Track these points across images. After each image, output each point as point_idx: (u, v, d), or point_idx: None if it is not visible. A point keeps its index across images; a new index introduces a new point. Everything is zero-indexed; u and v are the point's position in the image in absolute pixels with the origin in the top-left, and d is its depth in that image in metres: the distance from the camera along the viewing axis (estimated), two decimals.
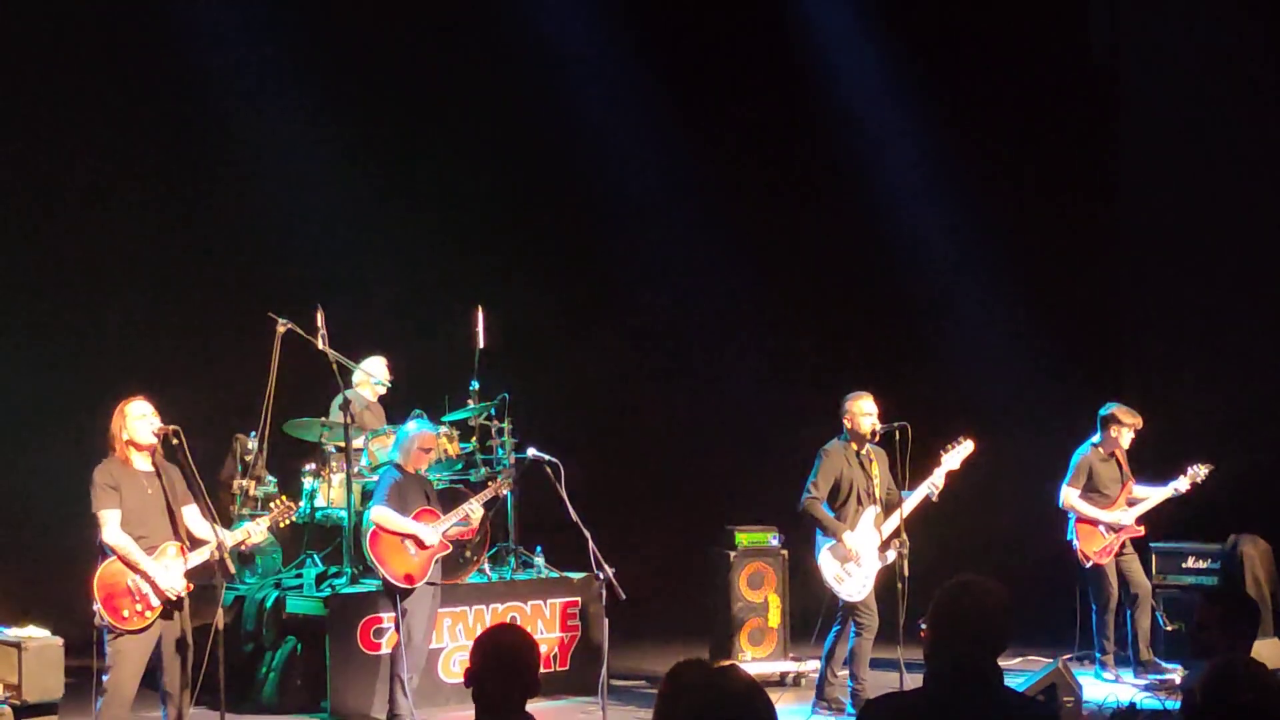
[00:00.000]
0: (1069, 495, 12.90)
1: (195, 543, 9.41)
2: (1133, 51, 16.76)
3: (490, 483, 11.77)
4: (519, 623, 12.28)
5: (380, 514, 10.97)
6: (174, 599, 9.26)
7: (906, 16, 16.80)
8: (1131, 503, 12.92)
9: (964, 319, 17.23)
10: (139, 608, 9.21)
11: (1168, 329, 16.47)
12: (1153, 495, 12.95)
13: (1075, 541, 12.88)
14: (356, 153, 15.66)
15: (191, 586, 9.39)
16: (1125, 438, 12.94)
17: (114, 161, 14.89)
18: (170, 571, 9.28)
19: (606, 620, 10.83)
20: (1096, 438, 13.00)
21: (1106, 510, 12.87)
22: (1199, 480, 12.86)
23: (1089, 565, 12.82)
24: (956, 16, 16.78)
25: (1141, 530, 12.95)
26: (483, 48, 16.29)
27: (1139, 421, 12.92)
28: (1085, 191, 17.05)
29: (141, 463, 9.41)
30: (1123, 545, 12.91)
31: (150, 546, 9.29)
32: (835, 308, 17.30)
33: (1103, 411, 12.99)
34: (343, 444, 12.08)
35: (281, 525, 10.38)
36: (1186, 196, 16.23)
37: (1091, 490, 12.91)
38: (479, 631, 11.54)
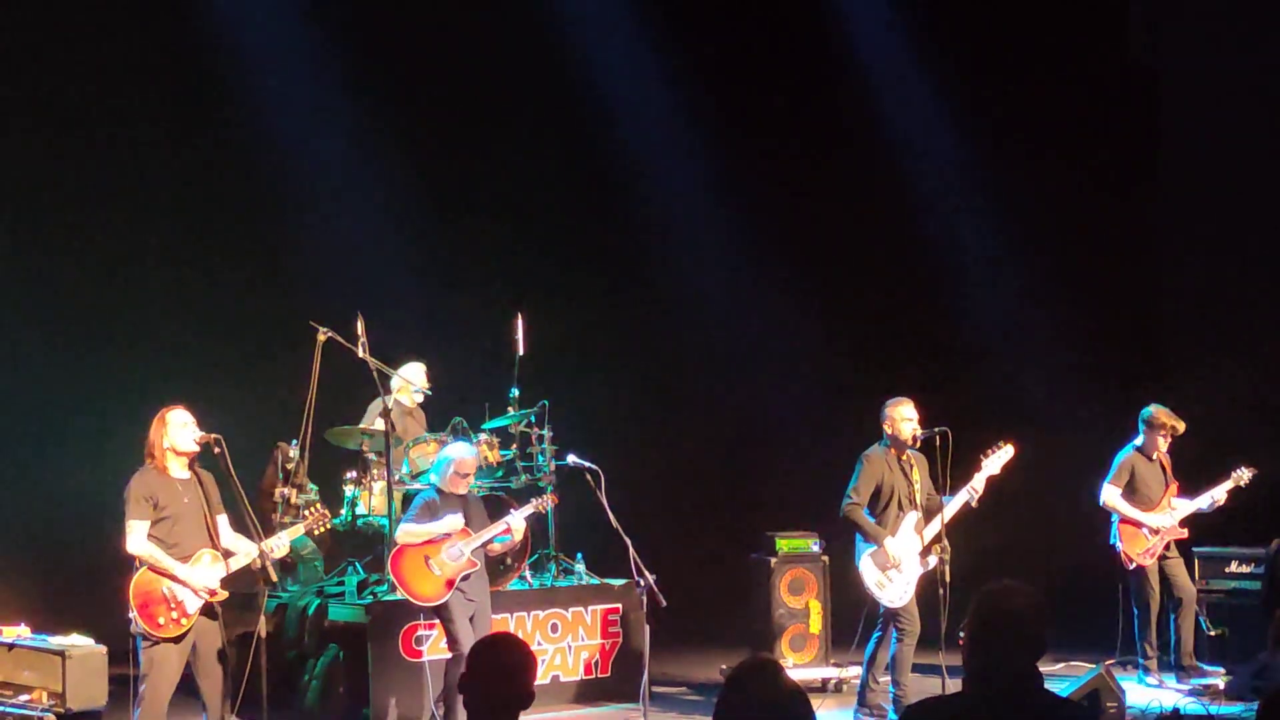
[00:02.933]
0: (1110, 494, 12.84)
1: (225, 553, 9.45)
2: (1172, 48, 16.66)
3: (534, 498, 11.66)
4: (559, 629, 12.33)
5: (404, 530, 10.93)
6: (208, 595, 9.29)
7: (944, 16, 16.75)
8: (1174, 507, 12.85)
9: (1004, 323, 17.16)
10: (174, 615, 9.26)
11: (1209, 328, 16.37)
12: (1195, 502, 12.88)
13: (1118, 543, 12.81)
14: (398, 160, 15.68)
15: (227, 594, 9.44)
16: (1163, 442, 12.84)
17: (154, 168, 14.97)
18: (204, 572, 9.34)
19: (648, 627, 10.80)
20: (1139, 440, 12.92)
21: (1147, 512, 12.80)
22: (1243, 483, 12.77)
23: (1132, 567, 12.75)
24: (995, 16, 16.72)
25: (1184, 533, 12.87)
26: (524, 57, 16.31)
27: (1180, 425, 12.81)
28: (1125, 191, 16.97)
29: (179, 471, 9.47)
30: (1166, 547, 12.82)
31: (185, 555, 9.35)
32: (876, 313, 17.27)
33: (1144, 413, 12.92)
34: (384, 451, 12.08)
35: (317, 533, 10.39)
36: (1226, 194, 16.14)
37: (1132, 492, 12.84)
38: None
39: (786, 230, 17.21)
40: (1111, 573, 12.96)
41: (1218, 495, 12.80)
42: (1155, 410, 12.87)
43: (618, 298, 17.05)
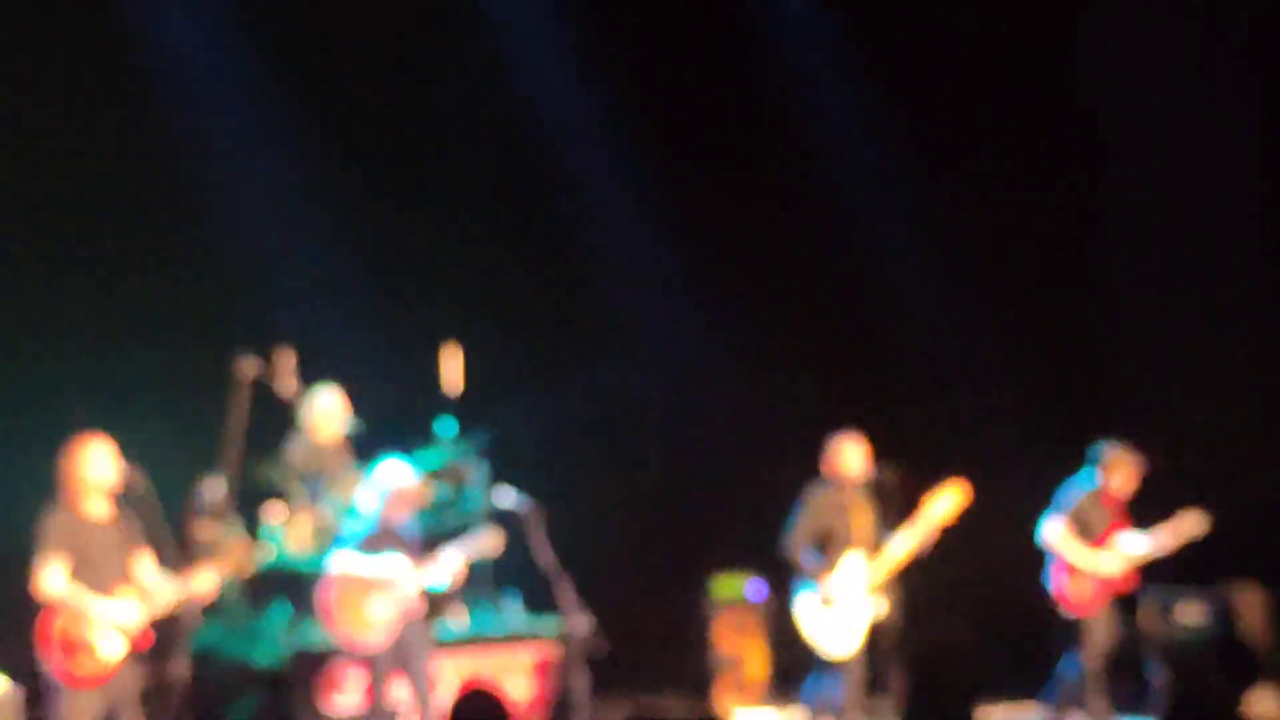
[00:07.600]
0: (1052, 531, 12.27)
1: (147, 594, 9.17)
2: (1119, 94, 16.71)
3: (477, 538, 11.34)
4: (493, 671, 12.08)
5: (342, 558, 10.53)
6: (132, 632, 9.03)
7: (889, 54, 16.73)
8: (1118, 552, 12.35)
9: (956, 363, 17.01)
10: (94, 660, 8.97)
11: (1157, 369, 16.33)
12: (1140, 548, 12.37)
13: (1060, 588, 12.33)
14: (328, 187, 15.50)
15: (153, 636, 9.19)
16: (1116, 480, 12.41)
17: (71, 190, 14.65)
18: (125, 609, 9.04)
19: (585, 670, 10.61)
20: (1089, 478, 12.51)
21: (1092, 552, 12.29)
22: (1191, 531, 12.38)
23: (1073, 616, 12.24)
24: (938, 61, 16.74)
25: (1130, 584, 12.41)
26: (454, 84, 16.22)
27: (1136, 463, 12.41)
28: (1072, 232, 16.93)
29: (98, 506, 9.23)
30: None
31: (103, 593, 9.06)
32: (823, 350, 17.16)
33: (1096, 451, 12.53)
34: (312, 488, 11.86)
35: (240, 575, 10.14)
36: (1174, 237, 16.16)
37: (1080, 531, 12.34)
38: (449, 680, 11.35)
39: (731, 265, 17.13)
40: (1053, 618, 12.55)
41: (1164, 544, 12.37)
42: (1116, 453, 12.46)
43: (554, 333, 16.90)
